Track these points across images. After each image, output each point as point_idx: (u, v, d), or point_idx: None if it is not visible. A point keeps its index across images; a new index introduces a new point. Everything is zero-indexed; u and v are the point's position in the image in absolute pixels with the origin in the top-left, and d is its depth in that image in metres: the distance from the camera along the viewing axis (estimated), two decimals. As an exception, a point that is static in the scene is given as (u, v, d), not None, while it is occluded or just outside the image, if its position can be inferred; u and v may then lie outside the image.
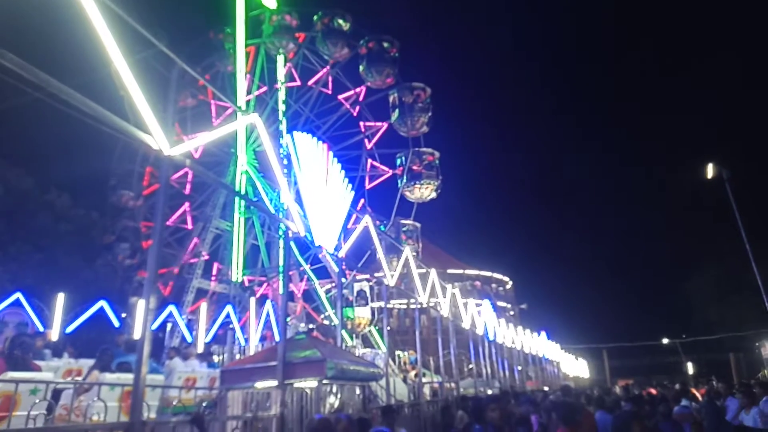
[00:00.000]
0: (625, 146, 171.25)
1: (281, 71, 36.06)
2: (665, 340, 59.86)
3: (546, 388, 23.21)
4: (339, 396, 9.79)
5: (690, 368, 54.40)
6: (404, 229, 31.55)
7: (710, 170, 19.83)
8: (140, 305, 15.19)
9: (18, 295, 16.47)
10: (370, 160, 34.73)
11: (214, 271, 33.18)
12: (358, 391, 9.71)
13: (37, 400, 6.65)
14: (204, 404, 9.56)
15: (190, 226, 33.91)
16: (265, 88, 35.78)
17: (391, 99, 34.71)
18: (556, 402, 8.50)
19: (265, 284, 33.11)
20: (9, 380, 6.78)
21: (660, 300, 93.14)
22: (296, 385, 8.45)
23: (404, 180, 33.47)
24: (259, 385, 8.48)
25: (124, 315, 19.31)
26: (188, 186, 33.27)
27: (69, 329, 17.20)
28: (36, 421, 6.55)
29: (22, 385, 6.46)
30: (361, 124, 35.16)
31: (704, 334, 53.24)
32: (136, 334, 14.74)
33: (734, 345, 47.50)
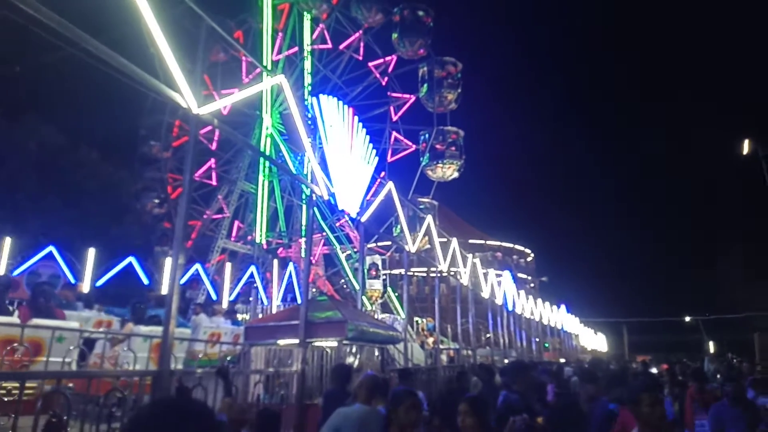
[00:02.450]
0: (656, 120, 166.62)
1: (308, 32, 35.44)
2: (687, 318, 59.32)
3: (562, 360, 23.33)
4: (358, 357, 10.01)
5: (711, 347, 53.91)
6: (421, 206, 31.42)
7: (746, 146, 19.17)
8: (168, 262, 15.58)
9: (51, 248, 17.00)
10: (394, 133, 34.40)
11: (235, 231, 33.70)
12: (376, 353, 9.91)
13: (71, 347, 6.98)
14: (228, 359, 9.89)
15: (214, 183, 34.28)
16: (296, 49, 35.31)
17: (420, 72, 34.08)
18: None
19: (286, 247, 33.55)
20: (40, 326, 7.08)
21: (684, 277, 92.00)
22: (317, 344, 8.67)
23: (426, 158, 33.14)
24: (282, 342, 8.72)
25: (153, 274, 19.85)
26: (215, 142, 33.46)
27: (99, 283, 17.79)
28: (70, 367, 6.88)
29: (46, 332, 6.74)
30: (389, 94, 34.66)
31: (728, 313, 52.59)
32: (164, 289, 15.21)
33: (760, 325, 46.81)
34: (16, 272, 15.48)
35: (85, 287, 16.02)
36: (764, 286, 46.50)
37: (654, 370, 18.66)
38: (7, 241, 15.88)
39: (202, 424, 1.48)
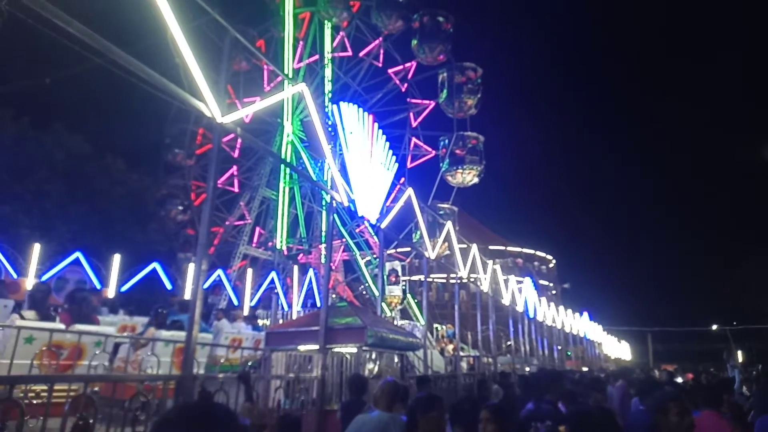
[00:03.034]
0: (682, 125, 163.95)
1: (329, 40, 35.78)
2: (714, 327, 57.84)
3: (585, 369, 22.97)
4: (378, 363, 10.01)
5: (740, 356, 52.44)
6: (441, 212, 31.29)
7: None
8: (191, 268, 15.78)
9: (78, 254, 17.37)
10: (413, 139, 34.41)
11: (256, 238, 34.02)
12: (396, 360, 9.90)
13: (97, 352, 7.13)
14: (249, 364, 9.97)
15: (236, 190, 34.70)
16: (316, 57, 35.68)
17: (440, 78, 34.06)
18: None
19: (306, 253, 33.74)
20: (83, 332, 7.26)
21: (710, 285, 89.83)
22: (337, 350, 8.70)
23: (446, 164, 33.03)
24: (302, 348, 8.77)
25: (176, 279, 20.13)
26: (237, 150, 33.90)
27: (124, 288, 18.12)
28: (97, 370, 7.03)
29: (86, 336, 6.91)
30: (408, 100, 34.72)
31: (755, 322, 51.19)
32: (187, 294, 15.40)
33: (788, 334, 45.47)
34: (45, 277, 15.84)
35: (110, 292, 16.33)
36: None
37: (679, 380, 18.27)
38: (36, 247, 16.27)
39: (227, 427, 1.50)
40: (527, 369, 18.29)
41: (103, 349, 7.23)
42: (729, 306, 63.41)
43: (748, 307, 55.93)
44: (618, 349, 56.00)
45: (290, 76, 30.55)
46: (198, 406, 1.82)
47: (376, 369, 9.34)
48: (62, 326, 7.59)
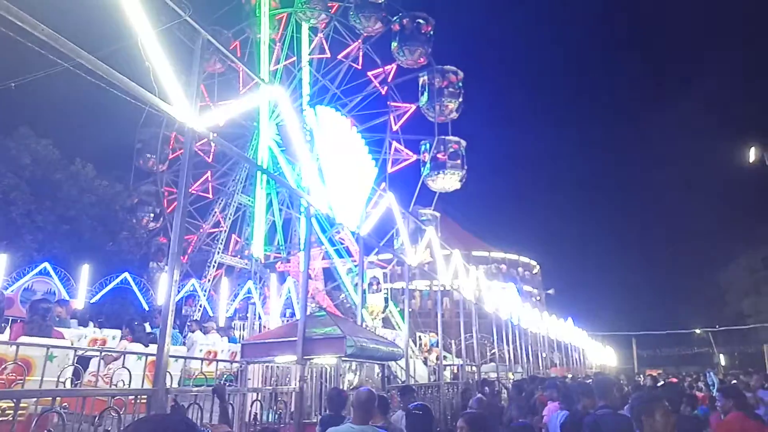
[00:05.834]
0: (660, 132, 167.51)
1: (306, 42, 35.41)
2: (697, 330, 58.67)
3: (569, 375, 23.00)
4: (358, 373, 9.80)
5: (722, 360, 53.40)
6: (423, 218, 31.15)
7: (753, 154, 18.89)
8: (163, 278, 15.34)
9: (45, 264, 16.84)
10: (394, 143, 34.15)
11: (232, 245, 33.43)
12: (377, 370, 9.70)
13: (65, 365, 6.78)
14: (225, 377, 9.67)
15: (211, 196, 34.08)
16: (293, 59, 35.26)
17: (420, 81, 33.87)
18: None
19: (285, 261, 33.28)
20: (31, 344, 6.90)
21: (693, 289, 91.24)
22: (316, 361, 8.47)
23: (428, 168, 32.89)
24: (280, 359, 8.52)
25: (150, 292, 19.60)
26: (211, 154, 33.28)
27: (93, 300, 17.59)
28: (65, 385, 6.68)
29: (37, 350, 6.58)
30: (389, 103, 34.53)
31: (737, 324, 52.13)
32: (159, 304, 14.95)
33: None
34: (11, 289, 15.26)
35: (79, 304, 15.81)
36: None
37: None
38: (2, 257, 15.67)
39: None
40: (511, 376, 18.22)
41: (66, 363, 6.87)
42: (711, 309, 64.45)
43: (730, 310, 56.94)
44: (603, 355, 56.47)
45: (266, 78, 30.19)
46: (156, 420, 1.84)
47: (357, 380, 9.13)
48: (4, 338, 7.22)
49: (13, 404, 5.19)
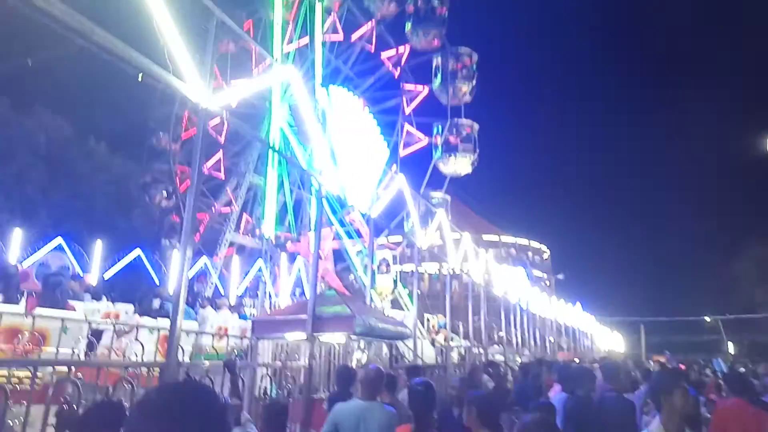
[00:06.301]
0: (674, 118, 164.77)
1: (320, 23, 34.98)
2: (707, 318, 58.36)
3: (576, 360, 23.09)
4: (366, 352, 9.95)
5: (731, 348, 53.15)
6: (433, 201, 30.96)
7: None
8: (176, 255, 15.57)
9: (59, 239, 17.08)
10: (406, 126, 33.82)
11: (243, 225, 33.62)
12: (385, 349, 9.84)
13: (79, 338, 6.97)
14: (236, 352, 9.86)
15: (223, 176, 34.19)
16: (306, 39, 34.89)
17: (434, 63, 33.35)
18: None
19: (295, 241, 33.43)
20: (45, 316, 7.07)
21: (703, 277, 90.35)
22: (325, 339, 8.61)
23: (439, 151, 32.66)
24: (289, 336, 8.67)
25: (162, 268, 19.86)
26: (224, 135, 33.31)
27: (107, 275, 17.87)
28: (80, 357, 6.88)
29: (52, 322, 6.74)
30: (402, 86, 34.16)
31: (748, 313, 51.74)
32: (171, 283, 15.20)
33: (778, 326, 46.07)
34: (26, 263, 15.54)
35: (93, 279, 16.08)
36: None
37: None
38: (17, 231, 15.93)
39: (210, 408, 1.50)
40: (518, 360, 18.33)
41: (80, 336, 7.06)
42: (722, 297, 63.89)
43: (741, 298, 56.51)
44: (610, 340, 56.46)
45: (279, 59, 30.03)
46: (181, 385, 1.83)
47: (365, 358, 9.28)
48: (20, 310, 7.37)
49: (30, 373, 5.37)
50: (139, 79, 5.45)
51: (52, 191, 23.64)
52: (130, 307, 10.57)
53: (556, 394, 7.23)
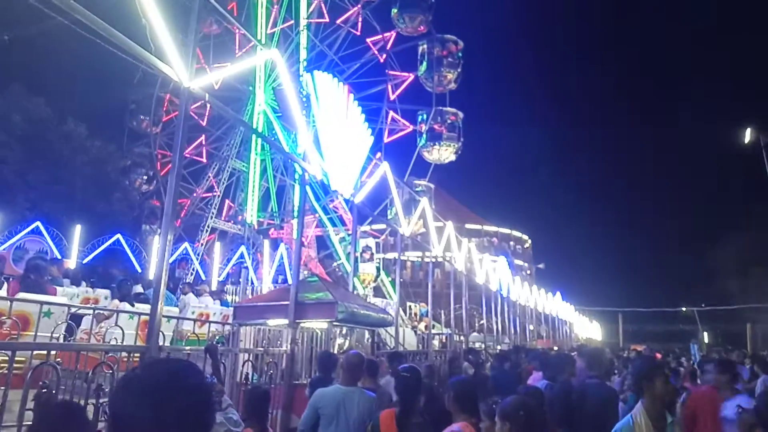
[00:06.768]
0: (653, 109, 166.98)
1: (304, 5, 34.49)
2: (683, 308, 59.67)
3: (555, 348, 23.45)
4: (348, 339, 9.98)
5: (706, 337, 54.43)
6: (417, 189, 31.00)
7: (748, 135, 18.92)
8: (156, 240, 15.39)
9: (38, 223, 16.79)
10: (391, 113, 33.71)
11: (225, 211, 33.36)
12: (367, 336, 9.87)
13: (59, 323, 6.87)
14: (217, 338, 9.80)
15: (204, 160, 33.80)
16: (291, 22, 34.42)
17: (420, 50, 33.32)
18: None
19: (278, 228, 33.28)
20: (27, 300, 6.97)
21: (679, 267, 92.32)
22: (307, 325, 8.60)
23: (424, 139, 32.66)
24: (271, 322, 8.65)
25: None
26: (206, 118, 32.84)
27: (86, 260, 17.62)
28: (59, 341, 6.78)
29: (34, 306, 6.64)
30: (387, 72, 34.00)
31: (723, 304, 53.04)
32: (152, 269, 15.04)
33: (752, 317, 47.24)
34: (2, 247, 15.26)
35: (72, 263, 15.84)
36: (755, 274, 47.07)
37: None
38: (-7, 215, 15.63)
39: (196, 386, 1.50)
40: (498, 347, 18.55)
41: (62, 320, 6.96)
42: (698, 288, 65.36)
43: (715, 289, 57.83)
44: (589, 329, 57.46)
45: (263, 41, 29.56)
46: (167, 362, 1.82)
47: (347, 344, 9.30)
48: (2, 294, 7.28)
49: (8, 357, 5.29)
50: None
51: (29, 174, 23.10)
52: (109, 293, 10.44)
53: (536, 381, 7.35)
